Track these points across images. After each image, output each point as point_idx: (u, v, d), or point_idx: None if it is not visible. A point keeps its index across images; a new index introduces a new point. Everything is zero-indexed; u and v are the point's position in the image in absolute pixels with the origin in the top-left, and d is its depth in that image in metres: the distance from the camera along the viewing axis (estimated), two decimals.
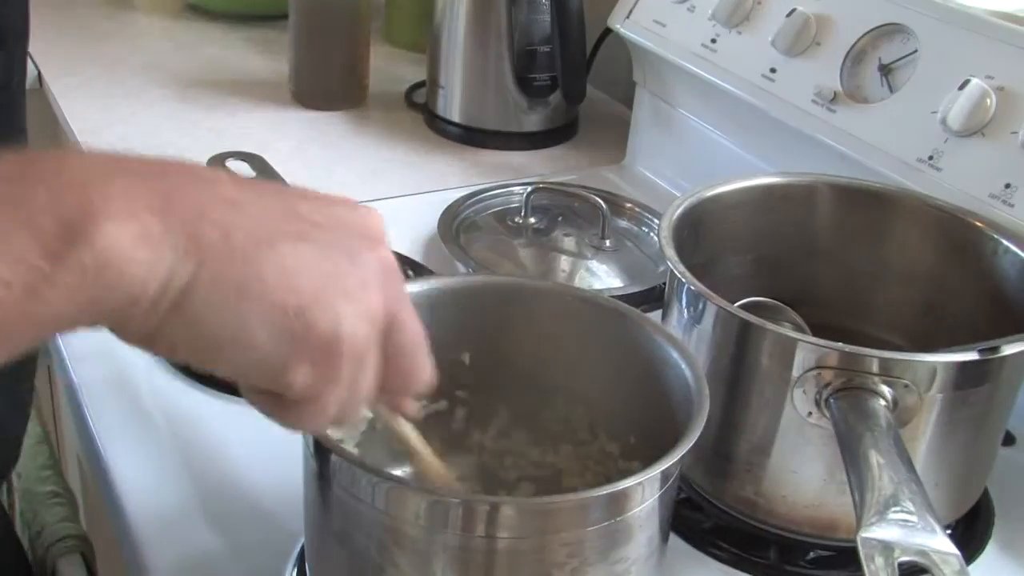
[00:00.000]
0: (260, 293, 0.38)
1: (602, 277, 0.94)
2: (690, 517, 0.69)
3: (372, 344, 0.42)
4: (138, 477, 0.69)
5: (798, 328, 0.76)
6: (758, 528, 0.66)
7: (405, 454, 0.63)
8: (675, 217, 0.70)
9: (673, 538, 0.67)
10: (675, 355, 0.56)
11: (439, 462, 0.54)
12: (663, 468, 0.48)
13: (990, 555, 0.68)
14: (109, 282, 0.35)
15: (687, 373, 0.55)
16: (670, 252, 0.66)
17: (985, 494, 0.71)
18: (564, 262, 0.96)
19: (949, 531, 0.68)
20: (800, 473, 0.63)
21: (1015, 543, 0.69)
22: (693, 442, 0.50)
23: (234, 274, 0.38)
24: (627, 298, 0.88)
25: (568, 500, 0.49)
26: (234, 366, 0.40)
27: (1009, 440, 0.77)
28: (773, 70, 0.92)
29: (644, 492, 0.49)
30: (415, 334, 0.44)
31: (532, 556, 0.47)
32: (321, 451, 0.50)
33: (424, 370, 0.46)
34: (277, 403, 0.42)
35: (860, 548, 0.48)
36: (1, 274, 0.33)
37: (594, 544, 0.48)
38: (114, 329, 0.38)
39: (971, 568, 0.66)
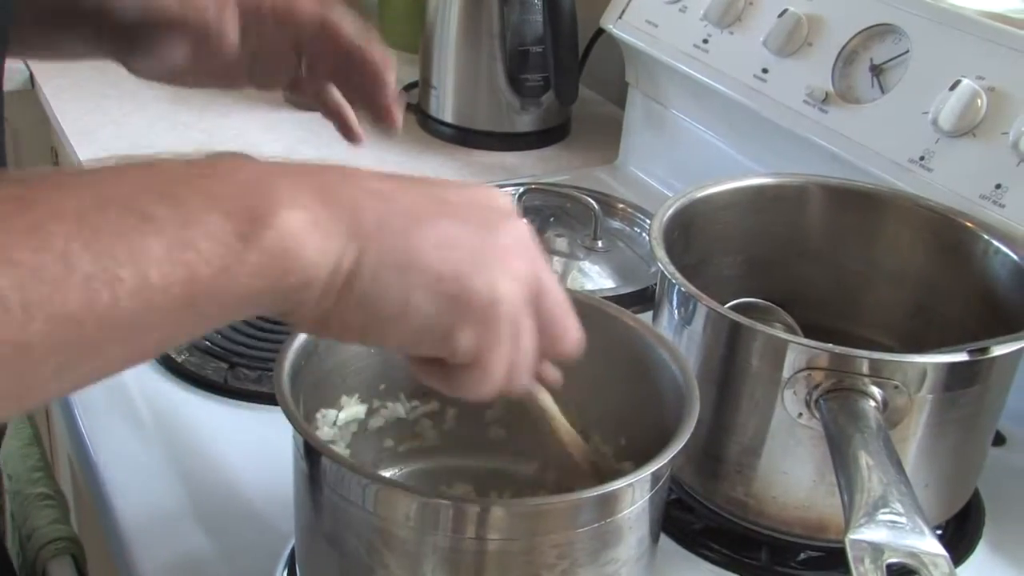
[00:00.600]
0: (420, 266, 0.41)
1: (594, 277, 0.94)
2: (681, 518, 0.69)
3: (526, 306, 0.44)
4: (128, 479, 0.69)
5: (789, 329, 0.76)
6: (749, 529, 0.66)
7: (396, 455, 0.63)
8: (666, 218, 0.70)
9: (664, 539, 0.67)
10: (666, 356, 0.56)
11: (574, 432, 0.55)
12: (653, 469, 0.48)
13: (981, 555, 0.68)
14: (288, 263, 0.39)
15: (677, 375, 0.55)
16: (660, 253, 0.66)
17: (976, 494, 0.71)
18: (556, 263, 0.96)
19: (940, 531, 0.69)
20: (790, 474, 0.63)
21: (1006, 543, 0.69)
22: (683, 443, 0.50)
23: (394, 252, 0.41)
24: (619, 299, 0.88)
25: (558, 502, 0.49)
26: (402, 338, 0.43)
27: (999, 440, 0.77)
28: (765, 70, 0.92)
29: (634, 493, 0.49)
30: (560, 297, 0.47)
31: (522, 558, 0.47)
32: (311, 453, 0.50)
33: (573, 331, 0.48)
34: (445, 373, 0.45)
35: (848, 550, 0.48)
36: (202, 251, 0.37)
37: (584, 545, 0.48)
38: (288, 314, 0.41)
39: (962, 568, 0.67)
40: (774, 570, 0.66)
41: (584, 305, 0.61)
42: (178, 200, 0.37)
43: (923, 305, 0.75)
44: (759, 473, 0.64)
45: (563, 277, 0.94)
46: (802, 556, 0.67)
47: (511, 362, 0.44)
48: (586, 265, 0.95)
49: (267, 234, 0.38)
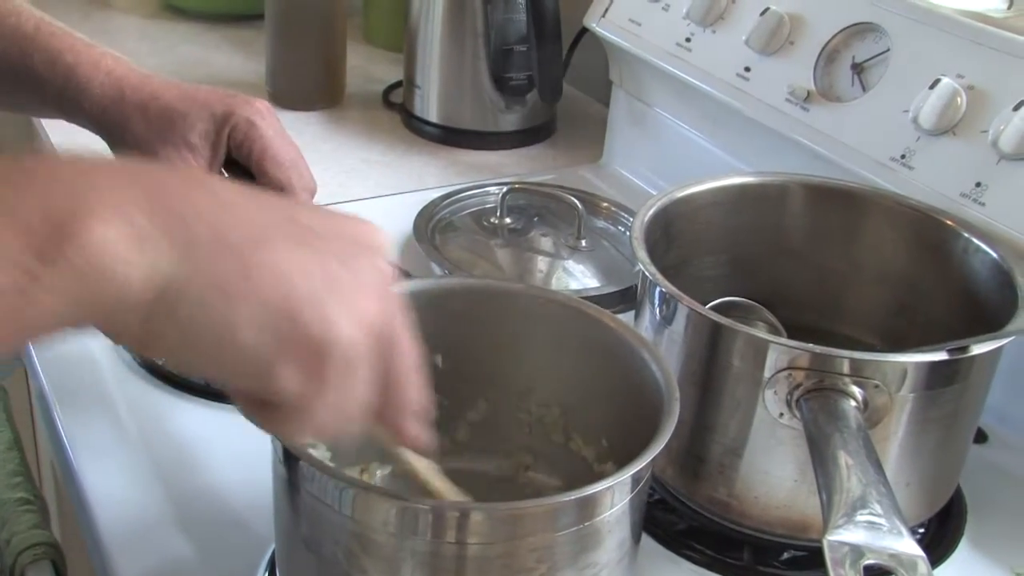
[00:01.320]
0: (249, 293, 0.37)
1: (578, 277, 0.94)
2: (663, 519, 0.69)
3: (365, 352, 0.40)
4: (109, 483, 0.68)
5: (772, 328, 0.76)
6: (731, 529, 0.66)
7: (379, 457, 0.63)
8: (647, 218, 0.70)
9: (646, 540, 0.67)
10: (646, 357, 0.56)
11: (452, 489, 0.52)
12: (632, 472, 0.48)
13: (963, 553, 0.68)
14: (98, 282, 0.35)
15: (658, 376, 0.55)
16: (641, 253, 0.66)
17: (958, 492, 0.71)
18: (540, 262, 0.96)
19: (922, 530, 0.69)
20: (772, 474, 0.63)
21: (987, 540, 0.69)
22: (663, 445, 0.50)
23: (224, 273, 0.37)
24: (603, 298, 0.89)
25: (536, 505, 0.49)
26: (220, 368, 0.39)
27: (981, 438, 0.77)
28: (747, 69, 0.92)
29: (614, 496, 0.49)
30: (410, 355, 0.43)
31: (500, 562, 0.47)
32: (290, 457, 0.50)
33: (414, 396, 0.44)
34: (264, 409, 0.41)
35: (826, 551, 0.48)
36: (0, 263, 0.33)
37: (563, 549, 0.48)
38: (106, 331, 0.38)
39: (944, 566, 0.67)
40: (757, 570, 0.66)
41: (565, 306, 0.61)
42: None
43: (905, 304, 0.75)
44: (741, 473, 0.64)
45: (547, 277, 0.94)
46: (785, 556, 0.67)
47: (337, 410, 0.40)
48: (570, 264, 0.95)
49: (72, 251, 0.34)
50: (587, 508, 0.48)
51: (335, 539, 0.49)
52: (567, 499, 0.48)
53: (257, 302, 0.37)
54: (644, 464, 0.49)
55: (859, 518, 0.49)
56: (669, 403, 0.52)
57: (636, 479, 0.50)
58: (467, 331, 0.62)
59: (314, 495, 0.49)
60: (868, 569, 0.47)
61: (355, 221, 0.42)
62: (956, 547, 0.68)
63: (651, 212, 0.71)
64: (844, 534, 0.48)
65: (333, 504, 0.48)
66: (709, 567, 0.67)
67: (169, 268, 0.36)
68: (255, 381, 0.39)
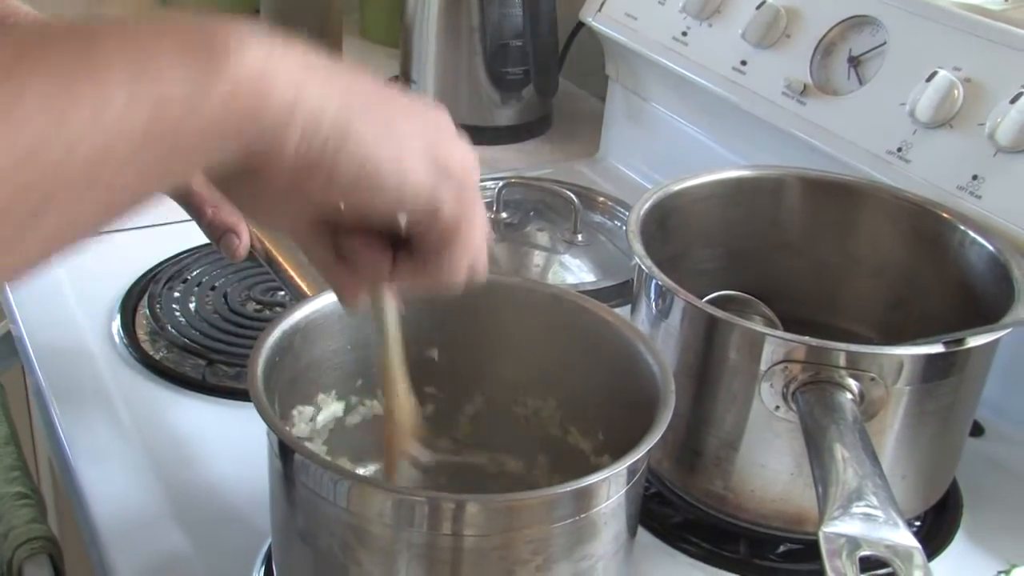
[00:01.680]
0: (405, 126, 0.41)
1: (575, 271, 0.94)
2: (660, 512, 0.69)
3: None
4: (106, 477, 0.68)
5: (768, 321, 0.76)
6: (728, 522, 0.66)
7: (375, 452, 0.63)
8: (643, 211, 0.70)
9: (643, 533, 0.67)
10: (642, 350, 0.56)
11: (407, 393, 0.53)
12: (629, 464, 0.48)
13: (959, 545, 0.68)
14: (262, 94, 0.36)
15: (654, 369, 0.55)
16: (637, 247, 0.66)
17: (954, 485, 0.71)
18: (537, 257, 0.96)
19: (918, 522, 0.69)
20: (768, 467, 0.63)
21: (983, 533, 0.69)
22: (659, 437, 0.50)
23: (378, 110, 0.40)
24: (600, 292, 0.88)
25: (533, 497, 0.49)
26: (394, 195, 0.42)
27: (978, 431, 0.77)
28: (744, 63, 0.92)
29: (610, 488, 0.49)
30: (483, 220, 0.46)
31: (496, 553, 0.47)
32: (285, 450, 0.50)
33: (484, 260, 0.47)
34: (421, 261, 0.45)
35: (822, 543, 0.48)
36: (165, 82, 0.34)
37: (559, 541, 0.48)
38: (266, 163, 0.38)
39: (940, 558, 0.67)
40: (753, 563, 0.66)
41: (562, 300, 0.61)
42: (135, 38, 0.34)
43: (901, 296, 0.75)
44: (737, 466, 0.64)
45: (544, 271, 0.94)
46: (781, 549, 0.67)
47: (479, 236, 0.45)
48: (567, 259, 0.95)
49: (235, 61, 0.35)
50: (583, 500, 0.48)
51: (331, 531, 0.49)
52: (563, 490, 0.48)
53: (418, 135, 0.42)
54: (640, 456, 0.49)
55: (855, 510, 0.49)
56: (665, 396, 0.52)
57: (632, 471, 0.50)
58: (463, 325, 0.61)
59: (310, 488, 0.49)
60: (864, 561, 0.47)
61: (433, 107, 0.45)
62: (952, 539, 0.69)
63: (647, 206, 0.71)
64: (840, 526, 0.48)
65: (328, 496, 0.48)
66: (705, 560, 0.67)
67: (326, 98, 0.38)
68: (425, 200, 0.42)
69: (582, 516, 0.48)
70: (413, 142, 0.41)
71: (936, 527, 0.69)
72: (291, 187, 0.40)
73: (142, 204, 0.37)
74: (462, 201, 0.43)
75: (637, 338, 0.57)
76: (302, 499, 0.50)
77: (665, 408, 0.51)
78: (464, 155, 0.43)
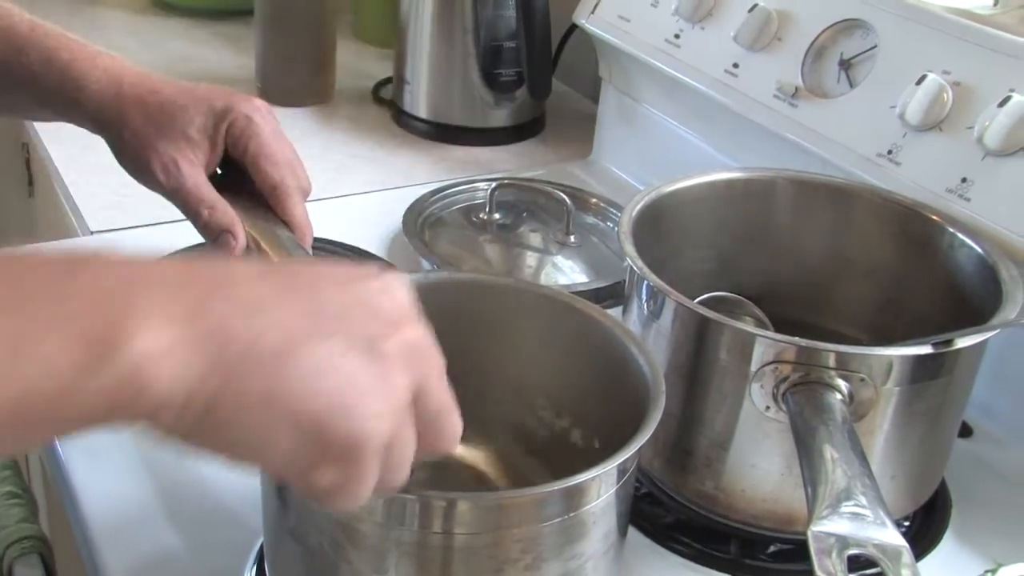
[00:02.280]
0: (283, 404, 0.39)
1: (567, 272, 0.94)
2: (650, 512, 0.70)
3: (401, 428, 0.42)
4: (96, 476, 0.68)
5: (759, 322, 0.77)
6: (718, 522, 0.67)
7: None
8: (635, 213, 0.71)
9: (633, 533, 0.68)
10: (633, 350, 0.56)
11: None
12: (618, 463, 0.49)
13: (947, 546, 0.69)
14: (139, 389, 0.37)
15: (645, 369, 0.55)
16: (629, 248, 0.67)
17: (943, 485, 0.72)
18: (529, 258, 0.96)
19: (907, 522, 0.70)
20: (759, 467, 0.64)
21: (971, 533, 0.69)
22: (648, 436, 0.50)
23: (258, 386, 0.39)
24: (592, 293, 0.89)
25: (522, 495, 0.49)
26: (263, 467, 0.42)
27: (966, 432, 0.78)
28: (736, 65, 0.92)
29: (600, 487, 0.49)
30: (441, 400, 0.44)
31: (486, 552, 0.47)
32: None
33: (452, 432, 0.45)
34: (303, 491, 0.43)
35: (810, 542, 0.48)
36: (41, 368, 0.35)
37: (548, 540, 0.48)
38: (144, 426, 0.39)
39: (928, 558, 0.67)
40: (744, 563, 0.67)
41: (553, 300, 0.61)
42: (24, 310, 0.35)
43: (891, 298, 0.75)
44: (728, 466, 0.65)
45: (536, 272, 0.95)
46: (772, 549, 0.68)
47: (385, 480, 0.42)
48: (559, 260, 0.96)
49: (119, 358, 0.36)
50: (572, 498, 0.48)
51: (321, 530, 0.49)
52: (552, 489, 0.48)
53: (289, 412, 0.39)
54: (629, 455, 0.49)
55: (844, 509, 0.50)
56: (655, 395, 0.52)
57: (622, 470, 0.50)
58: (455, 326, 0.61)
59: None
60: (852, 560, 0.47)
61: (378, 288, 0.43)
62: (940, 539, 0.69)
63: (639, 207, 0.71)
64: (829, 525, 0.49)
65: None
66: (696, 560, 0.67)
67: (204, 379, 0.38)
68: (295, 478, 0.41)
69: (571, 515, 0.48)
70: (288, 421, 0.39)
71: (925, 527, 0.70)
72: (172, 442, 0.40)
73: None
74: (345, 476, 0.40)
75: (628, 338, 0.57)
76: (293, 498, 0.50)
77: (655, 408, 0.51)
78: (359, 427, 0.40)
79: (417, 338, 0.43)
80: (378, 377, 0.41)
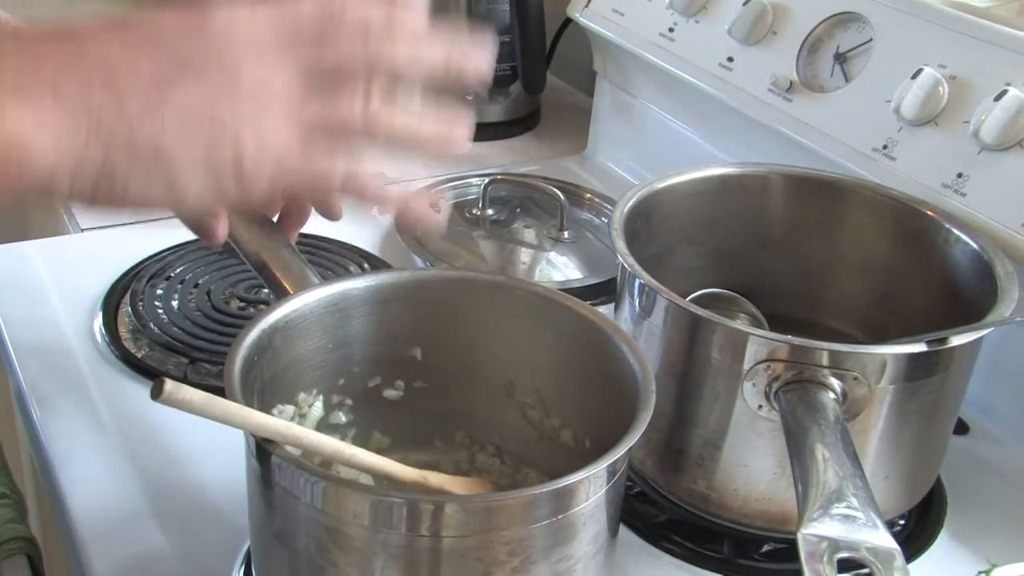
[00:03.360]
0: (172, 150, 0.41)
1: (561, 268, 0.94)
2: (643, 511, 0.69)
3: (288, 139, 0.43)
4: (85, 476, 0.68)
5: (754, 319, 0.76)
6: (711, 522, 0.66)
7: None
8: (627, 209, 0.70)
9: (627, 532, 0.67)
10: (624, 349, 0.56)
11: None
12: (607, 464, 0.48)
13: (942, 544, 0.68)
14: (19, 166, 0.38)
15: (635, 368, 0.54)
16: (620, 244, 0.66)
17: (938, 483, 0.71)
18: (523, 254, 0.96)
19: (902, 521, 0.69)
20: (751, 467, 0.63)
21: (967, 531, 0.69)
22: (638, 437, 0.49)
23: (145, 141, 0.40)
24: (586, 290, 0.88)
25: (510, 497, 0.48)
26: (175, 206, 0.44)
27: (963, 429, 0.77)
28: (731, 59, 0.91)
29: (589, 489, 0.49)
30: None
31: (474, 555, 0.47)
32: (262, 452, 0.49)
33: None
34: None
35: (800, 545, 0.47)
36: None
37: (537, 542, 0.47)
38: (47, 200, 0.41)
39: (923, 558, 0.67)
40: (737, 563, 0.66)
41: (544, 299, 0.61)
42: None
43: (886, 294, 0.75)
44: (721, 465, 0.64)
45: (530, 268, 0.94)
46: (765, 548, 0.67)
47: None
48: (553, 256, 0.95)
49: None
50: (562, 500, 0.48)
51: (307, 532, 0.48)
52: (541, 491, 0.47)
53: (180, 156, 0.41)
54: (619, 456, 0.48)
55: (835, 511, 0.49)
56: (645, 395, 0.52)
57: (611, 472, 0.49)
58: (446, 323, 0.61)
59: (286, 489, 0.48)
60: (843, 563, 0.47)
61: (196, 12, 0.43)
62: (935, 539, 0.68)
63: (631, 203, 0.71)
64: (819, 527, 0.48)
65: (304, 497, 0.47)
66: (689, 560, 0.66)
67: (85, 148, 0.39)
68: (212, 209, 0.46)
69: (560, 517, 0.47)
70: (182, 163, 0.41)
71: (920, 526, 0.69)
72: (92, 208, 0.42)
73: None
74: (259, 186, 0.43)
75: (619, 337, 0.57)
76: (279, 500, 0.49)
77: (645, 408, 0.51)
78: (241, 150, 0.42)
79: (284, 20, 0.44)
80: (252, 107, 0.42)
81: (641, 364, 0.54)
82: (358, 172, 0.46)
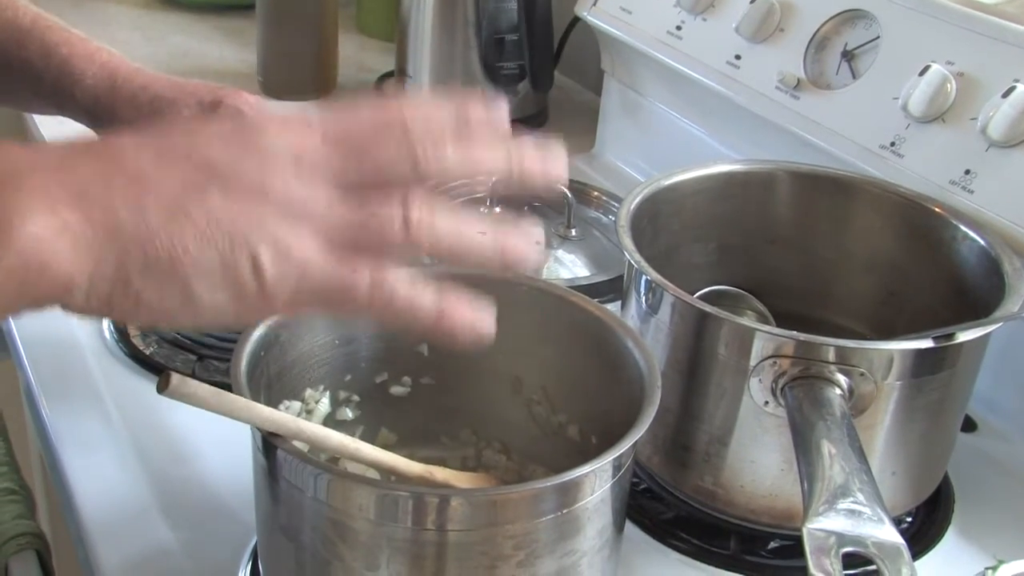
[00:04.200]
0: (188, 261, 0.40)
1: (569, 266, 0.94)
2: (650, 508, 0.69)
3: (312, 253, 0.41)
4: (92, 472, 0.68)
5: (761, 316, 0.76)
6: (718, 518, 0.66)
7: None
8: (633, 206, 0.70)
9: (634, 529, 0.67)
10: (629, 344, 0.56)
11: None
12: (612, 457, 0.48)
13: (949, 541, 0.68)
14: (39, 275, 0.38)
15: (641, 363, 0.54)
16: (627, 241, 0.66)
17: (946, 480, 0.71)
18: None
19: (909, 519, 0.69)
20: (758, 463, 0.63)
21: (974, 529, 0.69)
22: (643, 431, 0.49)
23: (160, 251, 0.39)
24: (593, 287, 0.88)
25: (516, 491, 0.48)
26: (190, 322, 0.42)
27: (971, 426, 0.77)
28: (738, 57, 0.91)
29: (595, 483, 0.49)
30: (356, 120, 0.43)
31: (478, 548, 0.47)
32: (268, 446, 0.49)
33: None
34: None
35: (806, 540, 0.47)
36: None
37: (542, 536, 0.47)
38: (62, 309, 0.40)
39: (930, 554, 0.67)
40: (744, 559, 0.66)
41: (549, 295, 0.61)
42: None
43: (894, 291, 0.74)
44: (727, 462, 0.64)
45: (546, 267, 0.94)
46: (772, 545, 0.67)
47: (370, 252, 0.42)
48: (560, 254, 0.95)
49: (12, 242, 0.37)
50: (567, 494, 0.48)
51: (313, 527, 0.48)
52: (546, 485, 0.47)
53: (196, 267, 0.40)
54: (624, 450, 0.48)
55: (840, 506, 0.49)
56: (650, 390, 0.52)
57: (617, 466, 0.49)
58: None
59: (291, 482, 0.48)
60: (848, 557, 0.47)
61: (236, 126, 0.42)
62: (943, 536, 0.68)
63: (637, 200, 0.71)
64: (825, 522, 0.48)
65: (308, 491, 0.47)
66: (695, 557, 0.66)
67: (103, 256, 0.39)
68: (231, 324, 0.43)
69: (565, 511, 0.47)
70: (197, 274, 0.40)
71: (928, 523, 0.69)
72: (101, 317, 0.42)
73: None
74: (264, 298, 0.41)
75: (624, 332, 0.57)
76: (285, 495, 0.49)
77: (650, 403, 0.51)
78: (259, 261, 0.40)
79: (296, 142, 0.41)
80: (274, 216, 0.41)
81: (647, 359, 0.54)
82: (385, 280, 0.43)
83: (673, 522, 0.68)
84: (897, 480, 0.64)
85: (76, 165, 0.40)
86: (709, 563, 0.66)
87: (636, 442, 0.49)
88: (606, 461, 0.48)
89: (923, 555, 0.67)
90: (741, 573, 0.65)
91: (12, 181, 0.38)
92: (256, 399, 0.50)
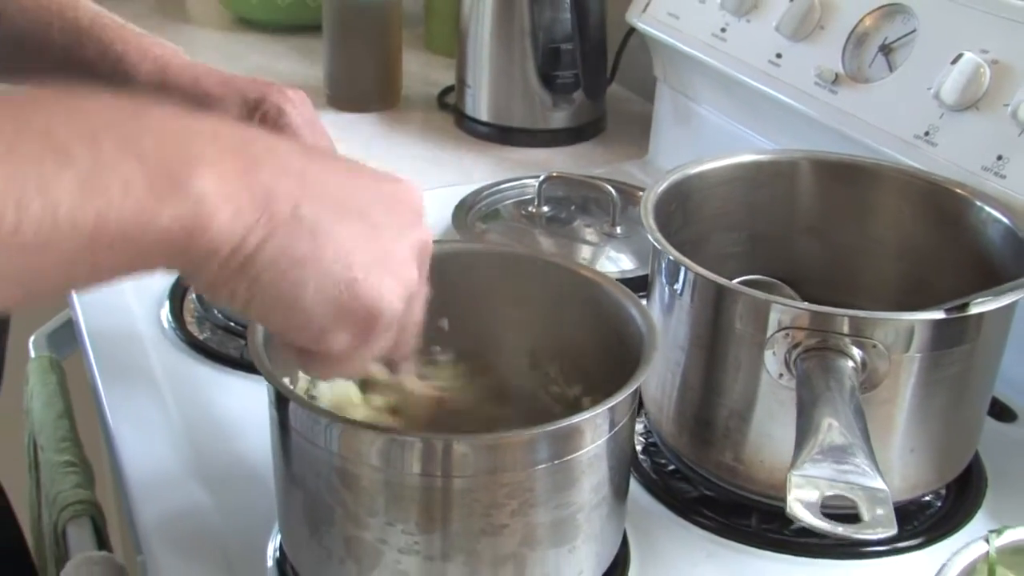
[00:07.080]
0: (318, 266, 0.42)
1: (615, 262, 0.95)
2: (677, 488, 0.70)
3: (400, 314, 0.46)
4: (143, 444, 0.72)
5: None
6: (741, 496, 0.67)
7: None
8: (659, 191, 0.72)
9: (661, 508, 0.68)
10: (633, 312, 0.57)
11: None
12: (607, 407, 0.49)
13: (978, 524, 0.67)
14: (197, 229, 0.40)
15: (642, 328, 0.56)
16: (650, 221, 0.67)
17: (978, 465, 0.71)
18: (575, 248, 0.97)
19: (939, 502, 0.68)
20: (776, 437, 0.63)
21: (1005, 514, 0.68)
22: (638, 384, 0.51)
23: (298, 247, 0.42)
24: (636, 280, 0.90)
25: (510, 436, 0.50)
26: (284, 325, 0.45)
27: (1010, 416, 0.76)
28: (779, 55, 0.92)
29: (591, 434, 0.50)
30: (419, 310, 0.49)
31: (476, 495, 0.49)
32: (280, 400, 0.52)
33: (411, 344, 0.50)
34: (307, 357, 0.47)
35: (788, 483, 0.48)
36: (114, 198, 0.37)
37: (536, 485, 0.49)
38: (187, 274, 0.43)
39: (958, 535, 0.66)
40: (765, 535, 0.67)
41: (562, 268, 0.63)
42: (98, 142, 0.37)
43: (922, 278, 0.74)
44: (747, 437, 0.65)
45: (588, 261, 0.96)
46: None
47: (367, 358, 0.47)
48: (606, 250, 0.97)
49: (181, 195, 0.39)
50: (561, 443, 0.49)
51: (318, 472, 0.51)
52: (541, 430, 0.49)
53: (322, 274, 0.43)
54: (619, 400, 0.50)
55: (831, 459, 0.49)
56: (648, 349, 0.53)
57: (612, 420, 0.51)
58: (471, 294, 0.63)
59: (302, 434, 0.51)
60: (831, 508, 0.47)
61: (402, 187, 0.48)
62: (972, 518, 0.68)
63: (663, 186, 0.72)
64: (812, 469, 0.49)
65: (317, 440, 0.50)
66: (718, 532, 0.67)
67: (252, 230, 0.41)
68: (310, 339, 0.45)
69: (557, 462, 0.49)
70: (321, 283, 0.43)
71: (956, 505, 0.69)
72: (206, 293, 0.44)
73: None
74: (354, 342, 0.45)
75: (630, 301, 0.58)
76: (296, 446, 0.52)
77: (646, 361, 0.52)
78: (380, 299, 0.44)
79: (429, 239, 0.48)
80: (401, 263, 0.45)
81: (646, 321, 0.56)
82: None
83: (698, 500, 0.69)
84: (917, 457, 0.64)
85: (249, 144, 0.43)
86: (732, 539, 0.66)
87: (633, 398, 0.51)
88: (600, 411, 0.49)
89: (950, 536, 0.66)
90: (762, 548, 0.66)
91: (192, 139, 0.40)
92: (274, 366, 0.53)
